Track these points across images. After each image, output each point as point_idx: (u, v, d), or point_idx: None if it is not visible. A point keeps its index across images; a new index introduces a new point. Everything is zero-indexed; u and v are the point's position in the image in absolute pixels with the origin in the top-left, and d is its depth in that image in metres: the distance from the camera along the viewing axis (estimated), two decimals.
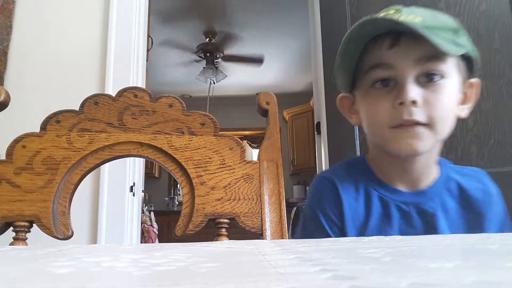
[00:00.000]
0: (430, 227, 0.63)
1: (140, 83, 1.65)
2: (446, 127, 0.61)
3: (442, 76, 0.59)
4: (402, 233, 0.63)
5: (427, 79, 0.59)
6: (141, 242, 2.37)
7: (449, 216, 0.64)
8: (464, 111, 0.65)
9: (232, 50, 4.22)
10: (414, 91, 0.58)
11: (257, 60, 4.46)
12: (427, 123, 0.59)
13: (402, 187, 0.66)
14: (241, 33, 3.87)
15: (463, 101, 0.65)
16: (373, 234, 0.64)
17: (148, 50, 2.03)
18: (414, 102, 0.58)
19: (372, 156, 0.71)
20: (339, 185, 0.67)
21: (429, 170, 0.66)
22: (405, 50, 0.59)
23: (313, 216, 0.67)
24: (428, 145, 0.60)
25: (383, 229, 0.64)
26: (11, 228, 0.58)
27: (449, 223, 0.64)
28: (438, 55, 0.58)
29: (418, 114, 0.58)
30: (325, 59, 1.87)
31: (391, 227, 0.64)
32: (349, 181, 0.68)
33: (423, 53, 0.58)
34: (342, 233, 0.65)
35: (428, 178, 0.66)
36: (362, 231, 0.65)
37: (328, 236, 0.64)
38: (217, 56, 4.26)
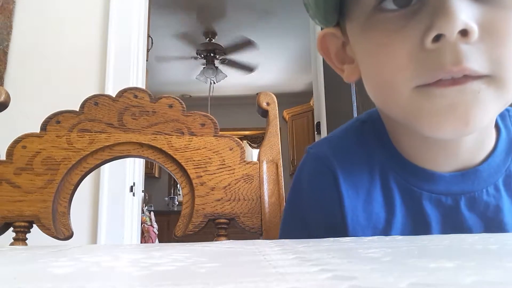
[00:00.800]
0: (492, 225, 0.40)
1: (140, 83, 1.65)
2: None
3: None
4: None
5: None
6: (141, 242, 2.37)
7: None
8: None
9: (232, 50, 4.22)
10: (464, 11, 0.30)
11: (248, 68, 4.48)
12: (490, 73, 0.32)
13: (440, 169, 0.41)
14: (241, 33, 3.87)
15: None
16: None
17: (148, 50, 2.03)
18: (465, 33, 0.31)
19: (388, 127, 0.44)
20: (340, 174, 0.43)
21: (485, 143, 0.41)
22: None
23: (293, 214, 0.47)
24: (490, 115, 0.34)
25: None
26: (11, 228, 0.58)
27: None
28: None
29: (474, 58, 0.31)
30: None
31: (429, 233, 0.41)
32: (358, 163, 0.43)
33: None
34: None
35: (483, 152, 0.41)
36: None
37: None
38: (217, 56, 4.27)
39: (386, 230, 0.41)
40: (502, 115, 0.43)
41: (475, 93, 0.32)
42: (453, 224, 0.40)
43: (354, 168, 0.43)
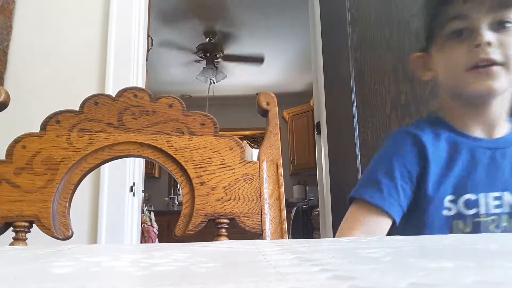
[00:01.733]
0: None
1: (140, 83, 1.65)
2: None
3: None
4: (490, 177, 0.66)
5: (500, 26, 0.64)
6: (141, 242, 2.37)
7: None
8: None
9: (232, 50, 4.22)
10: (489, 35, 0.64)
11: (258, 60, 4.46)
12: (503, 62, 0.63)
13: (479, 134, 0.70)
14: (241, 33, 3.87)
15: None
16: (459, 182, 0.67)
17: (148, 50, 2.03)
18: (489, 44, 0.63)
19: (447, 107, 0.74)
20: (423, 137, 0.69)
21: (503, 116, 0.70)
22: (478, 1, 0.65)
23: (385, 159, 0.70)
24: (504, 85, 0.64)
25: (469, 176, 0.67)
26: (11, 228, 0.58)
27: None
28: (508, 3, 0.64)
29: (494, 53, 0.63)
30: (325, 59, 1.87)
31: (477, 172, 0.67)
32: (432, 133, 0.71)
33: (495, 2, 0.64)
34: (419, 189, 0.67)
35: (502, 128, 0.70)
36: (444, 181, 0.67)
37: (392, 185, 0.66)
38: (217, 56, 4.26)
39: (447, 171, 0.67)
40: None
41: (496, 72, 0.63)
42: (495, 166, 0.67)
43: (430, 138, 0.70)
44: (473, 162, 0.68)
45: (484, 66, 0.64)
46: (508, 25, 0.64)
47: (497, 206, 0.66)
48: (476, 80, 0.65)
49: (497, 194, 0.66)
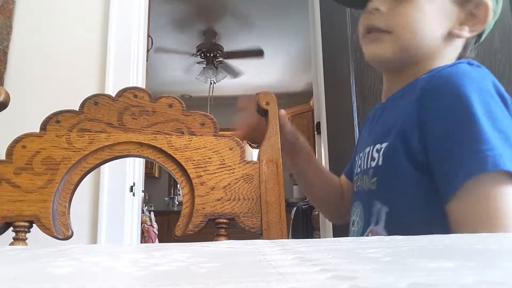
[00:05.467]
0: None
1: (140, 83, 1.65)
2: (413, 37, 0.60)
3: None
4: (368, 136, 0.68)
5: None
6: (141, 242, 2.37)
7: None
8: (465, 32, 0.61)
9: (232, 50, 4.22)
10: (378, 2, 0.62)
11: (258, 53, 4.43)
12: (388, 29, 0.61)
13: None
14: (241, 33, 3.87)
15: (468, 21, 0.60)
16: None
17: (148, 50, 2.03)
18: (376, 9, 0.61)
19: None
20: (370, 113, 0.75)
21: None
22: None
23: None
24: (388, 51, 0.61)
25: (359, 140, 0.76)
26: (11, 228, 0.58)
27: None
28: None
29: (379, 20, 0.61)
30: (325, 59, 1.87)
31: (361, 134, 0.76)
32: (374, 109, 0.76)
33: None
34: None
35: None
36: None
37: None
38: (217, 56, 4.26)
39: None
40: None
41: (377, 37, 0.62)
42: (373, 125, 0.68)
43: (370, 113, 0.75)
44: (366, 125, 0.73)
45: (370, 31, 0.63)
46: None
47: (358, 166, 0.66)
48: (365, 44, 0.64)
49: (360, 154, 0.66)
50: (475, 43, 0.66)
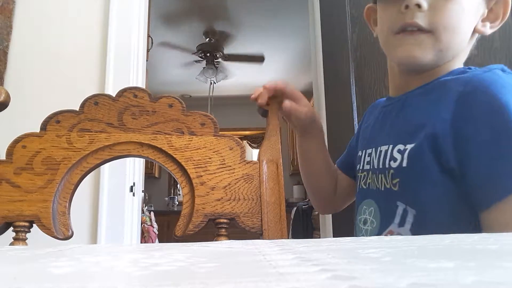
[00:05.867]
0: None
1: (140, 83, 1.65)
2: (453, 37, 0.57)
3: None
4: (374, 133, 0.68)
5: None
6: (141, 242, 2.37)
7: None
8: (487, 28, 0.60)
9: (232, 50, 4.22)
10: None
11: (258, 59, 4.45)
12: (430, 29, 0.56)
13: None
14: (241, 33, 3.87)
15: (488, 17, 0.60)
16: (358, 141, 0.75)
17: (148, 50, 2.03)
18: (419, 6, 0.56)
19: (389, 69, 0.68)
20: (367, 111, 0.79)
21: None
22: None
23: None
24: (429, 55, 0.57)
25: (362, 135, 0.74)
26: (11, 228, 0.58)
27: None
28: None
29: (421, 18, 0.56)
30: (325, 59, 1.87)
31: (367, 130, 0.72)
32: (373, 106, 0.77)
33: None
34: None
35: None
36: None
37: None
38: (217, 56, 4.26)
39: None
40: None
41: (421, 40, 0.57)
42: (380, 123, 0.67)
43: (369, 108, 0.78)
44: (371, 122, 0.71)
45: (411, 30, 0.57)
46: None
47: (367, 163, 0.66)
48: (400, 45, 0.58)
49: (369, 150, 0.66)
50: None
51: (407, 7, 0.57)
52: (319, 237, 2.56)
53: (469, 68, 0.59)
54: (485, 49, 1.29)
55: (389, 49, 0.62)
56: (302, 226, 3.49)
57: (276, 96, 0.67)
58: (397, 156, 0.57)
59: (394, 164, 0.57)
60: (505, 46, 1.27)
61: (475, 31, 0.60)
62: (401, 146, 0.57)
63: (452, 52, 0.59)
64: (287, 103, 0.65)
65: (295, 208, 3.73)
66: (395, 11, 0.59)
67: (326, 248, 0.25)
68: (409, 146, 0.55)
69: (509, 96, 0.48)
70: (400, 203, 0.56)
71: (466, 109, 0.51)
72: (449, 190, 0.52)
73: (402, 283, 0.13)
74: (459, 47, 0.59)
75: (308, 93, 4.49)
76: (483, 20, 0.60)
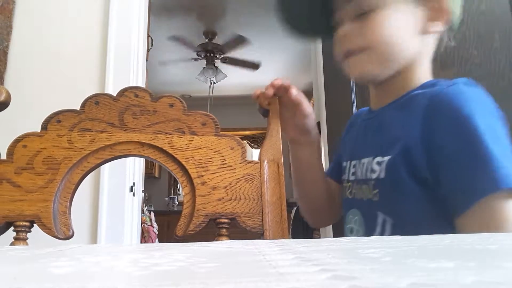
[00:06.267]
0: None
1: (140, 83, 1.65)
2: (390, 47, 0.60)
3: (372, 9, 0.60)
4: (358, 145, 0.71)
5: (360, 16, 0.61)
6: (141, 242, 2.37)
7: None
8: (439, 27, 0.62)
9: (232, 50, 4.22)
10: (345, 26, 0.62)
11: (253, 66, 4.47)
12: (365, 47, 0.61)
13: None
14: (241, 33, 3.87)
15: (434, 17, 0.61)
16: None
17: (148, 50, 2.03)
18: (345, 36, 0.63)
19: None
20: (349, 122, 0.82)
21: (408, 89, 0.63)
22: None
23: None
24: (375, 69, 0.62)
25: (347, 146, 0.77)
26: (12, 228, 0.58)
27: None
28: None
29: (353, 42, 0.62)
30: (325, 59, 1.87)
31: (351, 142, 0.75)
32: (354, 117, 0.81)
33: None
34: None
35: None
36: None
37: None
38: (217, 56, 4.26)
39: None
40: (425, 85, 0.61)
41: (356, 59, 0.62)
42: (363, 135, 0.70)
43: (350, 120, 0.82)
44: (352, 133, 0.74)
45: (350, 53, 0.62)
46: (366, 13, 0.60)
47: (353, 173, 0.68)
48: (348, 68, 0.64)
49: (354, 162, 0.68)
50: (452, 32, 0.66)
51: (338, 39, 0.64)
52: (319, 237, 2.56)
53: (438, 81, 0.61)
54: (485, 49, 1.29)
55: (347, 73, 0.67)
56: (302, 226, 3.49)
57: (277, 95, 0.67)
58: (376, 168, 0.60)
59: (373, 176, 0.60)
60: (505, 46, 1.27)
61: (426, 33, 0.61)
62: (379, 158, 0.59)
63: (398, 60, 0.61)
64: (294, 91, 0.66)
65: (295, 208, 3.73)
66: (336, 44, 0.66)
67: (326, 248, 0.25)
68: (386, 158, 0.58)
69: (472, 108, 0.51)
70: (380, 213, 0.58)
71: (433, 123, 0.53)
72: (424, 200, 0.54)
73: (402, 283, 0.13)
74: (404, 54, 0.61)
75: (308, 93, 4.47)
76: (432, 20, 0.61)
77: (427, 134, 0.53)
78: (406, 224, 0.55)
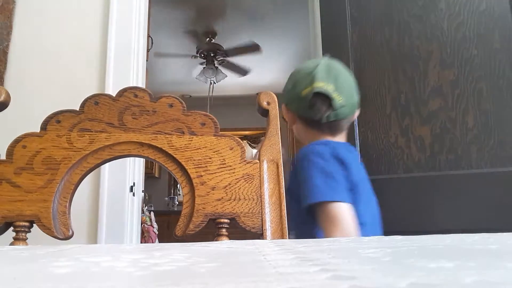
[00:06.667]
0: None
1: (140, 83, 1.65)
2: (301, 139, 1.05)
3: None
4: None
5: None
6: (141, 242, 2.37)
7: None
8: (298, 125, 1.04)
9: (233, 51, 4.22)
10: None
11: (243, 71, 4.48)
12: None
13: None
14: (241, 33, 3.87)
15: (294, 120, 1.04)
16: None
17: (148, 50, 2.03)
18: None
19: None
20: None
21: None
22: None
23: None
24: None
25: None
26: (11, 228, 0.58)
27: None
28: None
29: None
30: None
31: None
32: None
33: None
34: None
35: None
36: None
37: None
38: (217, 56, 4.26)
39: None
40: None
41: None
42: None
43: None
44: None
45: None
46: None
47: None
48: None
49: None
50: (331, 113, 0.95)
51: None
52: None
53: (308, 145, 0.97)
54: (485, 50, 1.29)
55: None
56: None
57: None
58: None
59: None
60: (505, 46, 1.27)
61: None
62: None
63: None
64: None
65: None
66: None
67: (326, 248, 0.25)
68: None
69: (310, 155, 0.90)
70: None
71: (297, 164, 0.93)
72: (302, 215, 0.87)
73: (402, 283, 0.13)
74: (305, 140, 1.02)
75: None
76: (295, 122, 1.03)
77: (296, 175, 0.92)
78: (298, 234, 0.93)
